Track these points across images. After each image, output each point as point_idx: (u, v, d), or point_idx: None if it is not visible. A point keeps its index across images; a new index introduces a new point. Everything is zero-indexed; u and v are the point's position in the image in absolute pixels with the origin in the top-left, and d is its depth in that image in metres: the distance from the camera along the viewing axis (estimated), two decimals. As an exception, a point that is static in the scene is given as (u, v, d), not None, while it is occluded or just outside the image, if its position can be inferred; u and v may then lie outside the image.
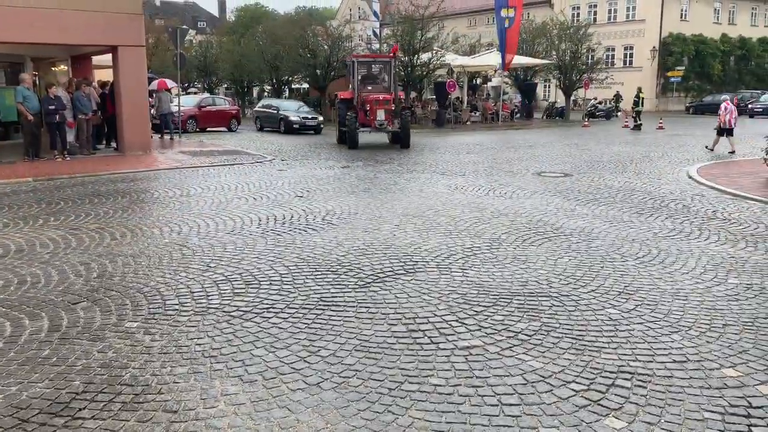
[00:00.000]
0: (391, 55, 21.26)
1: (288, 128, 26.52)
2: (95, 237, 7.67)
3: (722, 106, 18.46)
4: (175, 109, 23.50)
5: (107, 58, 17.67)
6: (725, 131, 17.98)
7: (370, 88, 20.19)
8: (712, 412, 3.56)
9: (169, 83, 27.85)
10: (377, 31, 43.28)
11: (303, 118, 26.95)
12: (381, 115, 18.88)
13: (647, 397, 3.72)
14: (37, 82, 20.88)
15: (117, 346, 4.45)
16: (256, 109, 31.43)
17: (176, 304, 5.29)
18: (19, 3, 14.24)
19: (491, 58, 33.79)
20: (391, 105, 19.10)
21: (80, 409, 3.57)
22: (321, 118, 27.74)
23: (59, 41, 15.68)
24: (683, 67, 46.52)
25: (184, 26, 33.04)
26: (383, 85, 20.45)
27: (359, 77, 20.13)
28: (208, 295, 5.51)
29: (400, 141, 19.18)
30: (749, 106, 37.74)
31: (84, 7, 15.17)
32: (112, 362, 4.18)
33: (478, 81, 39.69)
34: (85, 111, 16.19)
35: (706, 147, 18.64)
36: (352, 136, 18.95)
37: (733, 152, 17.48)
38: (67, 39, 15.57)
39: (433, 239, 7.50)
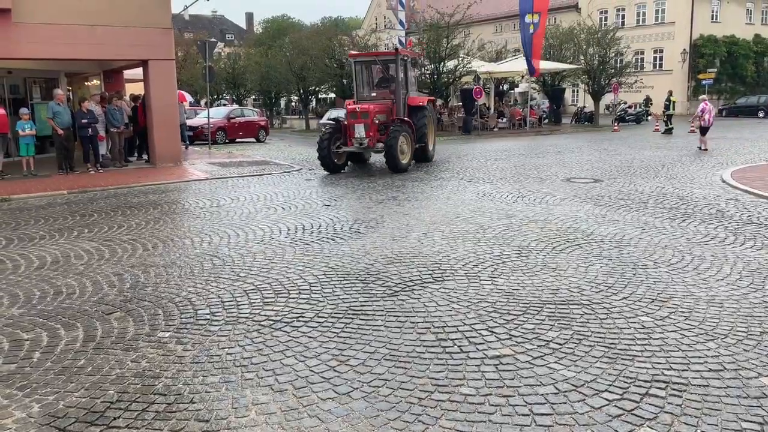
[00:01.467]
0: (395, 51, 17.62)
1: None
2: (128, 248, 7.80)
3: (701, 106, 19.99)
4: (189, 120, 23.92)
5: (138, 71, 18.03)
6: (702, 129, 19.56)
7: (374, 94, 16.94)
8: (751, 422, 3.47)
9: (187, 96, 28.34)
10: (403, 39, 43.34)
11: None
12: (360, 131, 15.08)
13: (682, 406, 3.65)
14: (71, 96, 21.41)
15: (150, 355, 4.51)
16: (322, 122, 27.18)
17: (207, 314, 5.35)
18: (53, 20, 14.62)
19: (518, 64, 33.63)
20: (372, 117, 15.13)
21: (115, 418, 3.63)
22: None
23: (92, 57, 16.05)
24: (715, 69, 45.65)
25: (213, 39, 33.52)
26: (391, 89, 16.67)
27: (362, 81, 17.15)
28: (239, 305, 5.56)
29: (390, 163, 14.97)
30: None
31: (115, 23, 15.52)
32: (146, 372, 4.24)
33: (505, 87, 39.51)
34: (117, 124, 16.54)
35: (699, 148, 19.34)
36: (324, 157, 15.24)
37: (705, 150, 18.85)
38: (99, 54, 15.93)
39: (462, 247, 7.47)
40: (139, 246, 7.90)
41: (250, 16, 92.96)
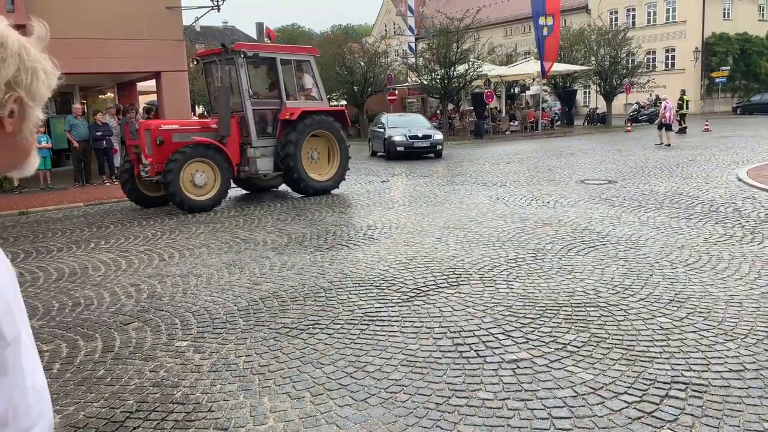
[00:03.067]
0: (222, 48, 12.50)
1: (392, 153, 20.51)
2: (144, 259, 7.86)
3: (663, 104, 21.86)
4: None
5: (152, 83, 18.22)
6: (665, 126, 21.28)
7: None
8: (774, 422, 3.43)
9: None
10: (413, 45, 43.40)
11: (412, 137, 20.46)
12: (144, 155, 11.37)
13: (703, 408, 3.61)
14: (86, 110, 21.66)
15: (168, 365, 4.54)
16: (371, 129, 24.74)
17: (224, 323, 5.38)
18: (67, 35, 14.81)
19: (529, 67, 33.56)
20: (155, 137, 11.32)
21: (134, 428, 3.66)
22: (440, 136, 21.30)
23: (104, 70, 16.27)
24: (728, 67, 45.25)
25: (224, 49, 33.76)
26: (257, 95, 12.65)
27: (218, 85, 12.77)
28: (255, 313, 5.59)
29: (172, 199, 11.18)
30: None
31: (128, 36, 15.71)
32: (164, 381, 4.27)
33: (516, 90, 39.43)
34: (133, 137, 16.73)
35: (665, 144, 20.90)
36: (127, 189, 11.98)
37: (669, 145, 20.57)
38: (112, 68, 16.15)
39: (476, 251, 7.45)
40: (156, 256, 7.96)
41: (260, 27, 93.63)
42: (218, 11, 18.97)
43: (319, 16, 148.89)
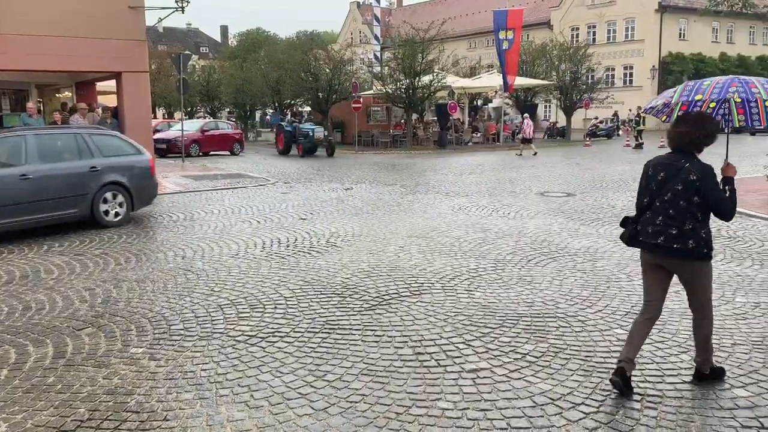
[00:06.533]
0: None
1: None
2: (99, 262, 7.67)
3: (525, 122, 26.20)
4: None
5: (112, 83, 17.83)
6: (527, 140, 25.27)
7: None
8: (725, 433, 3.51)
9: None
10: (378, 54, 43.57)
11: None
12: None
13: (658, 419, 3.68)
14: (41, 108, 21.06)
15: (122, 372, 4.42)
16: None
17: (181, 329, 5.27)
18: (23, 31, 14.40)
19: (492, 80, 34.02)
20: None
21: (85, 437, 3.54)
22: None
23: (64, 68, 15.84)
24: (683, 86, 46.72)
25: (187, 52, 33.34)
26: None
27: None
28: (213, 320, 5.49)
29: None
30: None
31: (88, 35, 15.33)
32: (118, 389, 4.15)
33: (479, 102, 39.89)
34: None
35: (518, 154, 24.25)
36: None
37: (535, 153, 24.14)
38: (71, 66, 15.72)
39: (438, 260, 7.48)
40: (111, 260, 7.77)
41: (224, 29, 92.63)
42: (182, 12, 18.75)
43: (285, 22, 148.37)
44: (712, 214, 3.89)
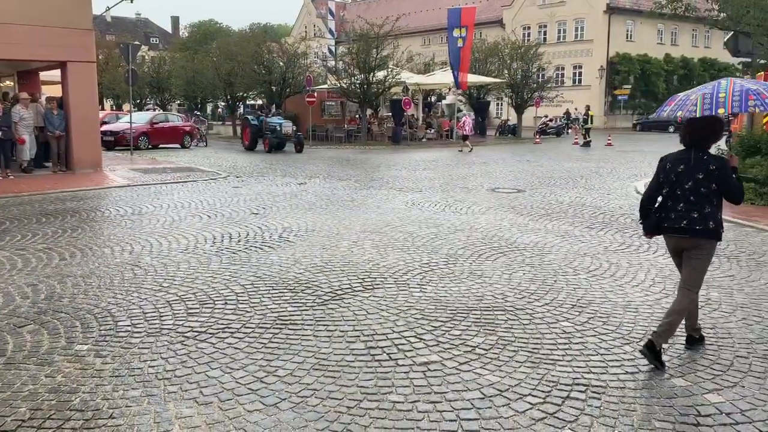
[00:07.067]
0: None
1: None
2: (43, 257, 7.43)
3: (462, 120, 27.06)
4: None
5: (56, 73, 17.25)
6: (465, 137, 26.00)
7: None
8: (664, 421, 3.65)
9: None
10: (333, 48, 43.39)
11: None
12: None
13: (601, 408, 3.80)
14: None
15: (66, 370, 4.30)
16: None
17: (128, 326, 5.16)
18: (-38, 17, 13.82)
19: (446, 77, 34.27)
20: None
21: (27, 437, 3.44)
22: None
23: (3, 56, 15.24)
24: (630, 86, 48.10)
25: (136, 42, 32.56)
26: None
27: None
28: (161, 316, 5.40)
29: None
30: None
31: (31, 22, 14.80)
32: (61, 387, 4.04)
33: (433, 99, 40.17)
34: (52, 129, 15.90)
35: (460, 151, 24.93)
36: None
37: (471, 150, 25.00)
38: (13, 54, 15.15)
39: (391, 255, 7.52)
40: (56, 255, 7.54)
41: (175, 20, 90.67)
42: (131, 2, 18.28)
43: (238, 13, 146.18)
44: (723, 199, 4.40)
